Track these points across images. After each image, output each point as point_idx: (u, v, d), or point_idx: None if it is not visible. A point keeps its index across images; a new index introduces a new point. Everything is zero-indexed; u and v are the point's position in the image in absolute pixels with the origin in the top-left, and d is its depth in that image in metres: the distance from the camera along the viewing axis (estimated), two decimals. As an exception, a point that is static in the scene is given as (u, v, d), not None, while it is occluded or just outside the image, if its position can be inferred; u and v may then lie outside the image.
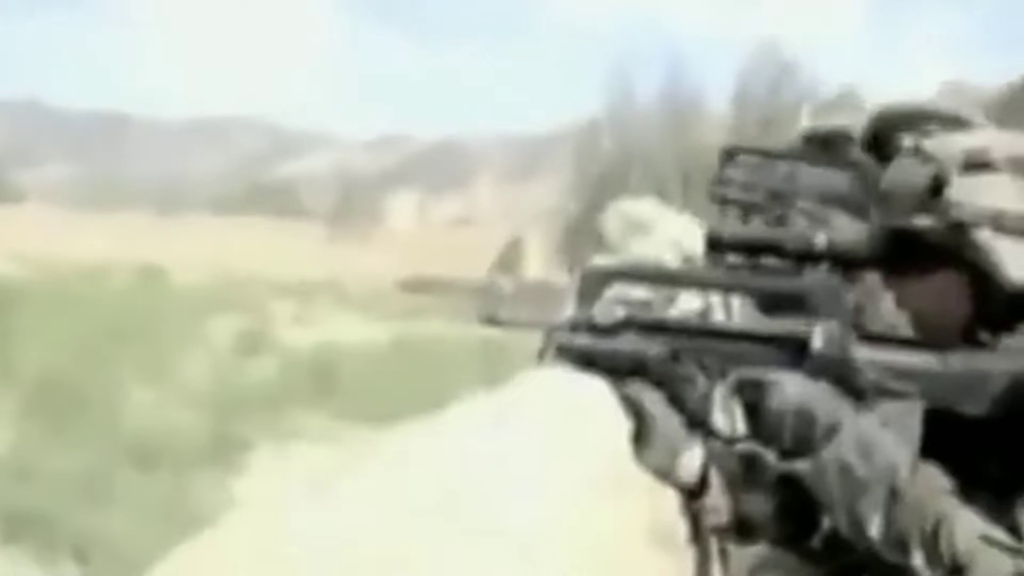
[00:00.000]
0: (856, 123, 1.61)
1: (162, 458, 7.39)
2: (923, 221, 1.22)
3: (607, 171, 25.72)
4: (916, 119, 1.46)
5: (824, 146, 1.65)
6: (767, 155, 1.63)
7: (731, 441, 1.21)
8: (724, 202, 1.61)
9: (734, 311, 1.49)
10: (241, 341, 12.91)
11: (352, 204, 43.13)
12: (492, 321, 1.29)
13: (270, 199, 44.47)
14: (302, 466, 7.82)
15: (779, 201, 1.53)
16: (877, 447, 1.12)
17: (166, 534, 5.16)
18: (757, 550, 1.36)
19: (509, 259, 30.94)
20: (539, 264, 29.41)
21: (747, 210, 1.56)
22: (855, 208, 1.46)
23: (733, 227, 1.32)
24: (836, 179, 1.52)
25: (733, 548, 1.44)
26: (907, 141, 1.29)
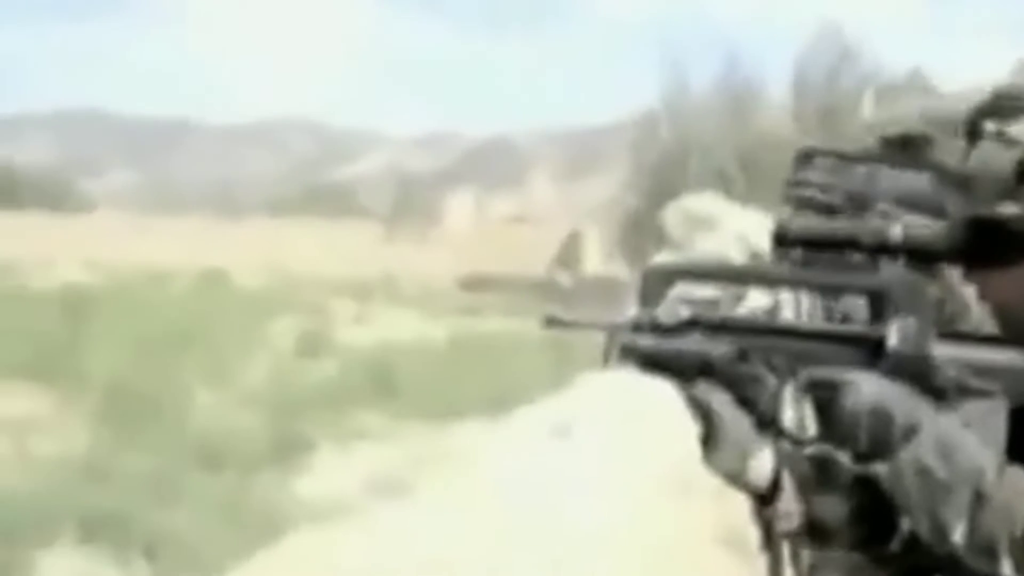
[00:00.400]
0: (935, 114, 1.56)
1: (227, 459, 7.53)
2: (1007, 209, 1.16)
3: (665, 163, 25.45)
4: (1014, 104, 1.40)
5: (903, 147, 1.60)
6: (844, 157, 1.59)
7: (803, 443, 1.17)
8: (800, 204, 1.57)
9: (803, 308, 1.45)
10: (301, 342, 13.09)
11: (408, 203, 43.40)
12: (554, 323, 1.26)
13: (326, 200, 44.99)
14: (363, 465, 7.90)
15: (857, 204, 1.49)
16: (959, 448, 1.07)
17: (233, 534, 5.26)
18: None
19: (568, 255, 30.84)
20: (598, 259, 29.26)
21: (824, 212, 1.52)
22: (935, 211, 1.40)
23: (802, 221, 1.28)
24: (915, 181, 1.47)
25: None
26: (990, 125, 1.23)
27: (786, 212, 1.58)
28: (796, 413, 1.16)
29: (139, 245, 28.17)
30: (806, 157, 1.63)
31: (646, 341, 1.18)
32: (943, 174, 1.46)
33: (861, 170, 1.54)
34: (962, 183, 1.24)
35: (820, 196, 1.55)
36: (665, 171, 24.73)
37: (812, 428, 1.15)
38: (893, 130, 1.68)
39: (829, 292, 1.25)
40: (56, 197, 38.77)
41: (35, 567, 5.65)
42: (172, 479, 6.89)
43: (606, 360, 1.23)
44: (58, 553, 5.82)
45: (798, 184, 1.60)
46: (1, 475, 6.98)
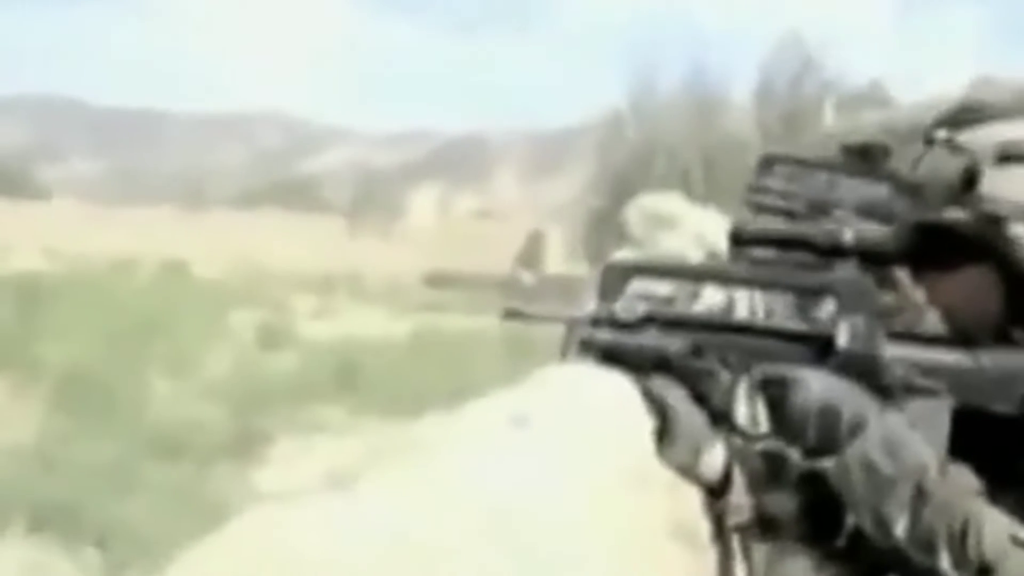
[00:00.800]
0: (895, 124, 1.59)
1: (185, 450, 7.46)
2: (954, 214, 1.20)
3: (630, 163, 25.61)
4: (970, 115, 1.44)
5: (862, 156, 1.62)
6: (806, 164, 1.61)
7: (754, 438, 1.19)
8: (760, 210, 1.59)
9: (757, 306, 1.48)
10: (262, 335, 13.00)
11: (373, 198, 43.23)
12: (514, 316, 1.28)
13: (292, 194, 44.66)
14: (322, 458, 7.86)
15: (817, 210, 1.51)
16: (904, 446, 1.10)
17: (187, 524, 5.21)
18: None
19: (531, 253, 30.90)
20: (561, 258, 29.36)
21: (784, 218, 1.54)
22: (891, 219, 1.43)
23: (757, 222, 1.30)
24: (873, 190, 1.50)
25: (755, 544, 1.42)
26: (941, 133, 1.26)
27: (746, 215, 1.60)
28: (749, 409, 1.18)
29: (101, 234, 27.75)
30: (767, 163, 1.65)
31: (604, 335, 1.20)
32: (899, 184, 1.50)
33: (822, 177, 1.57)
34: (914, 190, 1.27)
35: (780, 202, 1.58)
36: (630, 171, 24.87)
37: (764, 424, 1.18)
38: (854, 139, 1.71)
39: (781, 290, 1.27)
40: (14, 183, 38.06)
41: (-16, 557, 5.56)
42: (126, 469, 6.81)
43: (564, 353, 1.25)
44: (7, 543, 5.73)
45: (759, 190, 1.62)
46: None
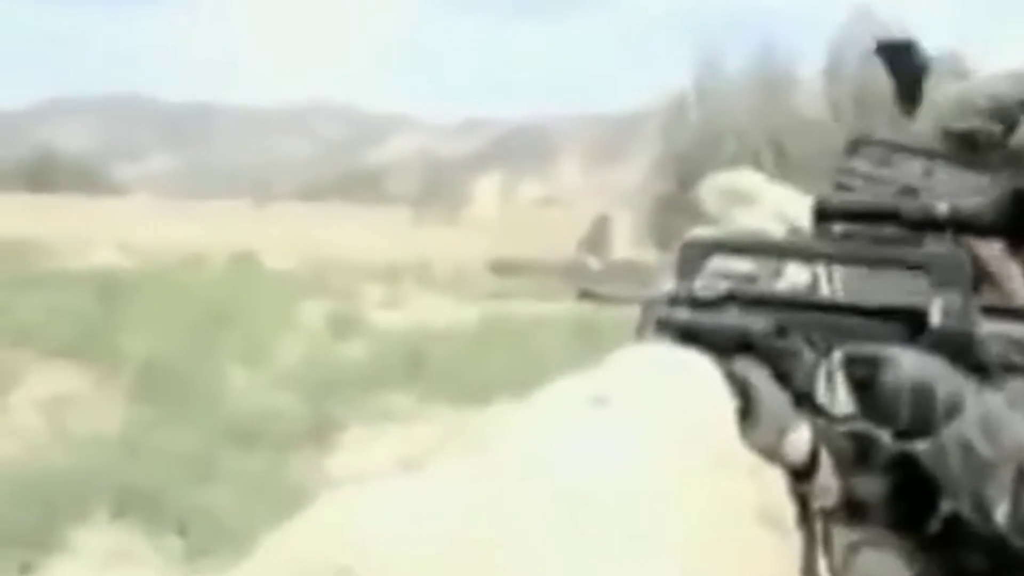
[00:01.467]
0: (975, 97, 1.49)
1: (261, 437, 7.63)
2: None
3: (696, 146, 25.28)
4: None
5: (967, 144, 1.50)
6: (899, 148, 1.51)
7: (840, 419, 1.15)
8: (847, 192, 1.49)
9: (837, 282, 1.42)
10: (332, 324, 13.19)
11: (437, 187, 43.51)
12: (589, 296, 1.25)
13: (356, 185, 45.18)
14: (393, 445, 7.96)
15: (909, 196, 1.40)
16: (1004, 427, 1.05)
17: (265, 510, 5.32)
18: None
19: (596, 238, 30.77)
20: (627, 243, 29.16)
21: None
22: None
23: (843, 196, 1.25)
24: (973, 182, 1.40)
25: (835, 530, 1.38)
26: None
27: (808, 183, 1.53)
28: (835, 389, 1.14)
29: (173, 228, 28.47)
30: (855, 145, 1.56)
31: (683, 315, 1.17)
32: (1001, 178, 1.40)
33: (917, 164, 1.47)
34: (1010, 157, 1.21)
35: (868, 186, 1.48)
36: (696, 155, 24.54)
37: (850, 404, 1.13)
38: (959, 125, 1.59)
39: (869, 266, 1.22)
40: (92, 180, 39.28)
41: (69, 542, 5.76)
42: (206, 457, 6.99)
43: (640, 334, 1.22)
44: (92, 529, 5.92)
45: (845, 172, 1.54)
46: (38, 451, 7.11)
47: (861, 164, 1.50)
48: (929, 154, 1.47)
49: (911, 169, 1.45)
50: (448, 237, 30.25)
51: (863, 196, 1.32)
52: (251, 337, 11.37)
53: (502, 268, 25.49)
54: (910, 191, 1.43)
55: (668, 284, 1.20)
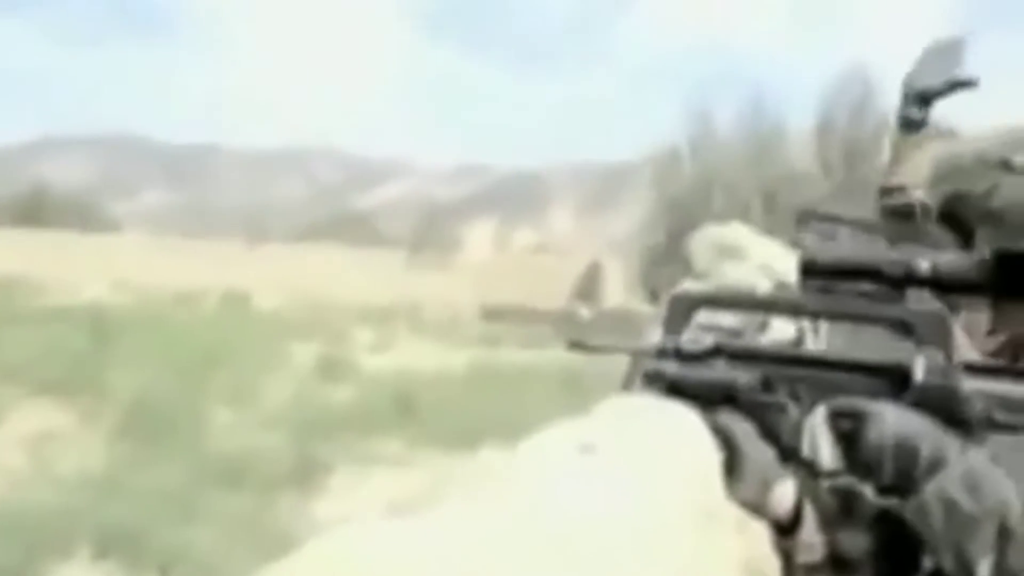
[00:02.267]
0: (962, 157, 1.53)
1: (246, 478, 7.55)
2: None
3: (688, 198, 25.49)
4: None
5: (904, 218, 1.55)
6: (841, 222, 1.55)
7: (825, 474, 1.16)
8: None
9: (822, 337, 1.44)
10: (322, 366, 13.14)
11: (430, 232, 43.65)
12: (578, 346, 1.27)
13: (350, 227, 45.31)
14: (381, 489, 7.90)
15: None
16: (986, 483, 1.06)
17: (249, 552, 5.26)
18: None
19: (588, 287, 30.81)
20: (618, 292, 29.22)
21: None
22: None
23: (829, 250, 1.28)
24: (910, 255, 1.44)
25: None
26: (1020, 158, 1.23)
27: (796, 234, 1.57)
28: (819, 444, 1.15)
29: (167, 266, 28.44)
30: (804, 218, 1.60)
31: (671, 367, 1.18)
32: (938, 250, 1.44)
33: (860, 238, 1.51)
34: (991, 217, 1.24)
35: None
36: (687, 206, 24.74)
37: (835, 459, 1.15)
38: (896, 200, 1.64)
39: (853, 322, 1.24)
40: (84, 217, 39.27)
41: (50, 581, 5.67)
42: (190, 497, 6.91)
43: (627, 386, 1.24)
44: (74, 567, 5.84)
45: (796, 245, 1.58)
46: (21, 488, 7.03)
47: (810, 238, 1.55)
48: (868, 227, 1.51)
49: (854, 242, 1.49)
50: (440, 282, 30.26)
51: (846, 251, 1.35)
52: (240, 377, 11.32)
53: (493, 314, 25.48)
54: None
55: (656, 336, 1.22)
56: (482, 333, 20.86)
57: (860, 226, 1.54)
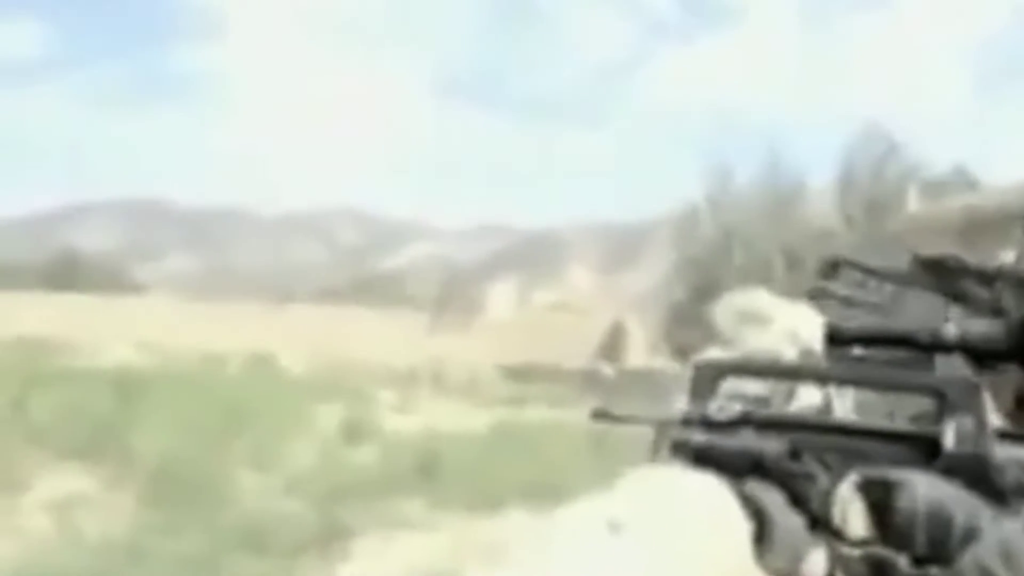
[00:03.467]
0: (984, 210, 1.54)
1: (271, 543, 7.51)
2: None
3: (708, 256, 25.50)
4: None
5: (935, 270, 1.53)
6: (871, 272, 1.54)
7: (857, 544, 1.15)
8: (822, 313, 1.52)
9: (856, 406, 1.43)
10: (346, 428, 13.12)
11: (452, 293, 43.79)
12: (603, 416, 1.27)
13: (372, 289, 45.60)
14: (405, 553, 7.82)
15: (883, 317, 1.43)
16: (1021, 552, 1.05)
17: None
18: None
19: (611, 346, 30.69)
20: (641, 351, 29.08)
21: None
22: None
23: (855, 320, 1.28)
24: (940, 306, 1.42)
25: None
26: None
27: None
28: (850, 513, 1.14)
29: (192, 329, 28.66)
30: (832, 267, 1.59)
31: (697, 437, 1.18)
32: (969, 303, 1.43)
33: (888, 289, 1.50)
34: (1020, 283, 1.24)
35: (836, 308, 1.51)
36: (709, 264, 24.73)
37: (866, 528, 1.13)
38: (927, 252, 1.63)
39: (882, 389, 1.24)
40: (113, 281, 39.77)
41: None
42: (213, 562, 6.88)
43: (655, 455, 1.23)
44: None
45: (819, 292, 1.56)
46: (47, 552, 7.02)
47: (836, 286, 1.53)
48: (898, 278, 1.50)
49: (882, 292, 1.48)
50: (462, 342, 30.28)
51: (873, 320, 1.35)
52: (264, 440, 11.32)
53: (516, 374, 25.41)
54: (879, 310, 1.46)
55: (682, 404, 1.22)
56: (505, 393, 20.79)
57: (890, 277, 1.52)
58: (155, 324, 28.88)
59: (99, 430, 10.47)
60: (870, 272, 1.54)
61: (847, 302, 1.50)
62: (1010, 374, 1.21)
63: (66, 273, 38.45)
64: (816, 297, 1.56)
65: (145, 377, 15.45)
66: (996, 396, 1.22)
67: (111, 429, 10.60)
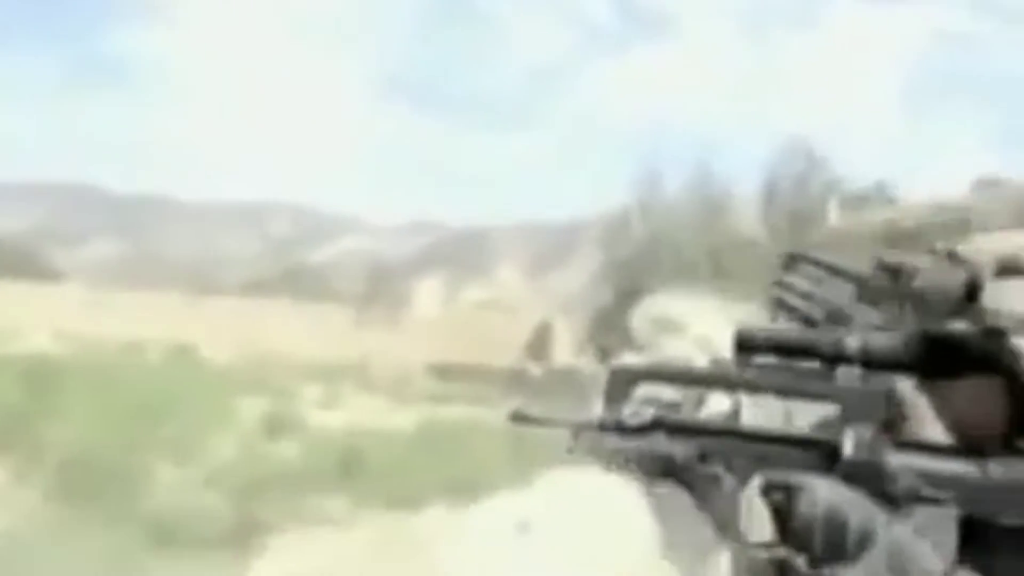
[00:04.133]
0: (902, 225, 1.59)
1: (185, 538, 7.37)
2: (958, 326, 1.22)
3: (636, 258, 25.82)
4: None
5: (893, 274, 1.55)
6: (834, 270, 1.54)
7: (760, 546, 1.19)
8: (781, 307, 1.53)
9: (761, 412, 1.47)
10: (268, 422, 12.93)
11: (380, 288, 43.48)
12: (521, 419, 1.29)
13: (300, 282, 44.96)
14: (323, 550, 7.75)
15: (835, 320, 1.45)
16: (912, 556, 1.10)
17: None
18: None
19: (538, 345, 30.81)
20: (568, 350, 29.28)
21: (803, 322, 1.48)
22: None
23: (762, 327, 1.31)
24: (890, 312, 1.44)
25: None
26: (940, 244, 1.29)
27: (765, 311, 1.57)
28: (754, 515, 1.18)
29: (110, 317, 27.86)
30: (792, 261, 1.60)
31: (611, 440, 1.21)
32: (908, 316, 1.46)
33: (847, 288, 1.52)
34: (915, 298, 1.29)
35: (801, 303, 1.53)
36: (636, 266, 25.05)
37: (769, 531, 1.17)
38: (891, 257, 1.65)
39: (785, 397, 1.28)
40: (25, 266, 38.44)
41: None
42: (124, 558, 6.72)
43: (570, 453, 1.26)
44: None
45: (783, 286, 1.58)
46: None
47: (799, 281, 1.55)
48: (858, 280, 1.52)
49: (842, 293, 1.50)
50: (389, 338, 30.07)
51: (783, 328, 1.39)
52: (183, 432, 11.08)
53: (442, 372, 25.34)
54: (835, 314, 1.49)
55: (597, 409, 1.25)
56: (431, 390, 20.73)
57: (849, 277, 1.53)
58: (72, 313, 28.01)
59: (8, 420, 10.12)
60: (831, 269, 1.55)
61: (808, 298, 1.52)
62: (966, 386, 1.24)
63: (-22, 256, 37.02)
64: (779, 288, 1.56)
65: (60, 366, 14.98)
66: (944, 407, 1.26)
67: (21, 419, 10.26)
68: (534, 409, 1.31)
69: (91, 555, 6.69)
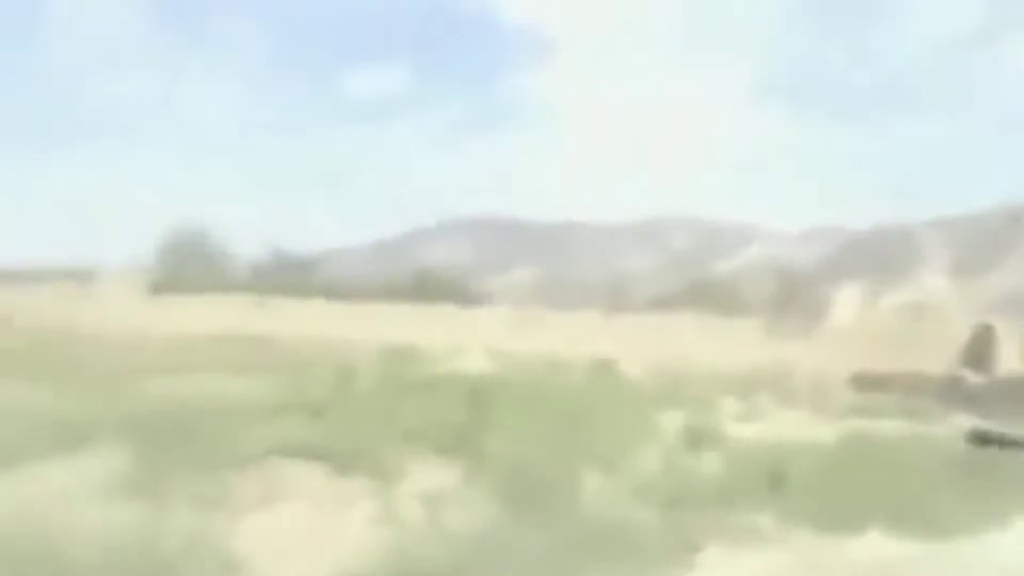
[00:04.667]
0: None
1: (618, 549, 7.64)
2: None
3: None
4: None
5: None
6: None
7: None
8: None
9: None
10: (689, 435, 13.05)
11: (791, 297, 42.08)
12: (982, 440, 1.11)
13: (707, 294, 45.07)
14: (749, 568, 7.60)
15: None
16: None
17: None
18: None
19: (977, 351, 27.76)
20: (1014, 358, 26.00)
21: None
22: None
23: None
24: None
25: None
26: None
27: None
28: None
29: (535, 338, 30.16)
30: None
31: None
32: None
33: None
34: None
35: None
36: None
37: None
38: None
39: None
40: (463, 292, 42.99)
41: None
42: (565, 562, 7.12)
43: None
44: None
45: None
46: (417, 541, 7.67)
47: None
48: None
49: None
50: (804, 348, 28.97)
51: None
52: (609, 444, 11.59)
53: (865, 383, 23.80)
54: None
55: None
56: (853, 403, 19.56)
57: None
58: (502, 333, 30.73)
59: (456, 430, 11.32)
60: None
61: None
62: None
63: (423, 287, 42.10)
64: None
65: (496, 384, 16.49)
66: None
67: (467, 430, 11.41)
68: (985, 423, 1.12)
69: (533, 557, 7.18)
